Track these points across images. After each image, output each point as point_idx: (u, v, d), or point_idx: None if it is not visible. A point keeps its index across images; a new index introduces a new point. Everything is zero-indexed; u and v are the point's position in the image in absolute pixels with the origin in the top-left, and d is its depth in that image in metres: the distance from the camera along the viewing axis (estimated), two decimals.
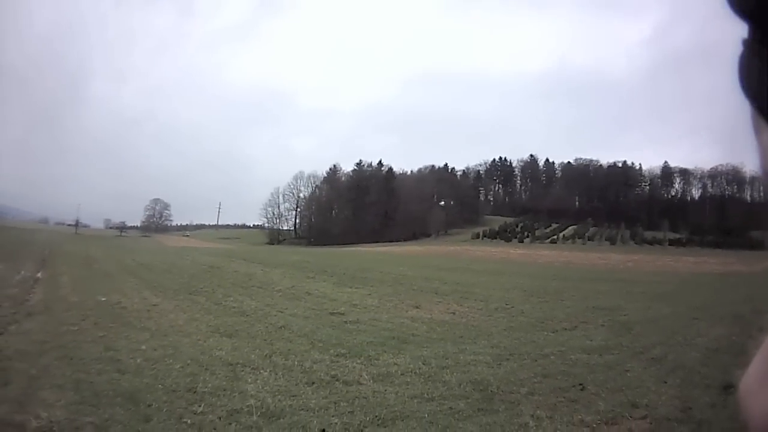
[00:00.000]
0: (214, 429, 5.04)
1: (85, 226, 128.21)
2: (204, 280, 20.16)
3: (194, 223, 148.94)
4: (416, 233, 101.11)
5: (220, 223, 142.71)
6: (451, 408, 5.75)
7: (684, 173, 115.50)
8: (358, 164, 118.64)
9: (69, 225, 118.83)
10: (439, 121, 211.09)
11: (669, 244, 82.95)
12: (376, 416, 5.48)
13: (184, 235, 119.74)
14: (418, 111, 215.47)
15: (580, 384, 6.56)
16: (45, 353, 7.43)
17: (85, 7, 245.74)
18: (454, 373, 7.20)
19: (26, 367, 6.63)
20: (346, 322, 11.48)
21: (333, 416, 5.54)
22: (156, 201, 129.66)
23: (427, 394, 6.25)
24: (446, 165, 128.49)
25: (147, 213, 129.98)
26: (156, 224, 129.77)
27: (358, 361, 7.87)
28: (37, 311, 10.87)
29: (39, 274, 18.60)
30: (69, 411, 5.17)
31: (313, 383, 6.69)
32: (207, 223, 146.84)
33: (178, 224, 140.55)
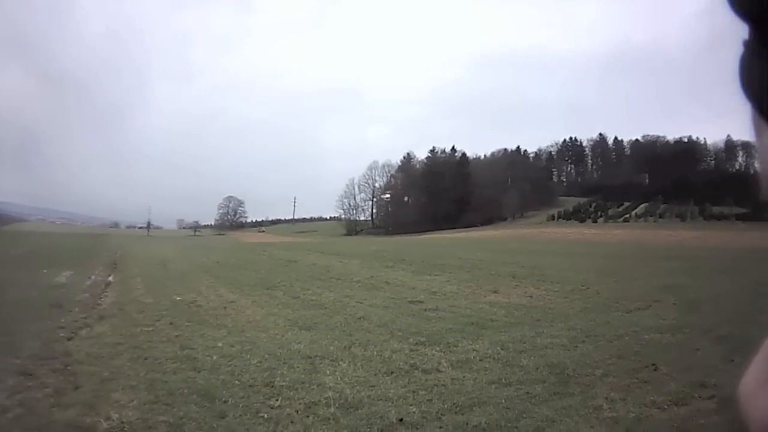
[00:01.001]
0: (291, 422, 5.18)
1: (157, 227, 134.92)
2: (281, 274, 21.29)
3: (270, 219, 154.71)
4: (492, 217, 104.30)
5: (296, 217, 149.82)
6: (527, 393, 5.92)
7: (746, 146, 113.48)
8: (432, 151, 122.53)
9: (140, 228, 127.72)
10: (508, 102, 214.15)
11: (735, 219, 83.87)
12: (454, 403, 5.65)
13: (259, 231, 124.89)
14: (487, 94, 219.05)
15: (653, 364, 6.74)
16: (118, 355, 7.80)
17: (146, 10, 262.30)
18: (531, 357, 7.45)
19: (98, 370, 6.95)
20: (425, 309, 11.89)
21: (411, 405, 5.70)
22: (230, 199, 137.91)
23: (505, 380, 6.45)
24: (518, 147, 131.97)
25: (221, 211, 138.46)
26: (230, 222, 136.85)
27: (437, 349, 8.16)
28: (109, 314, 11.41)
29: (110, 278, 19.57)
30: (142, 411, 5.37)
31: (392, 373, 6.95)
32: (283, 218, 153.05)
33: (254, 221, 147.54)
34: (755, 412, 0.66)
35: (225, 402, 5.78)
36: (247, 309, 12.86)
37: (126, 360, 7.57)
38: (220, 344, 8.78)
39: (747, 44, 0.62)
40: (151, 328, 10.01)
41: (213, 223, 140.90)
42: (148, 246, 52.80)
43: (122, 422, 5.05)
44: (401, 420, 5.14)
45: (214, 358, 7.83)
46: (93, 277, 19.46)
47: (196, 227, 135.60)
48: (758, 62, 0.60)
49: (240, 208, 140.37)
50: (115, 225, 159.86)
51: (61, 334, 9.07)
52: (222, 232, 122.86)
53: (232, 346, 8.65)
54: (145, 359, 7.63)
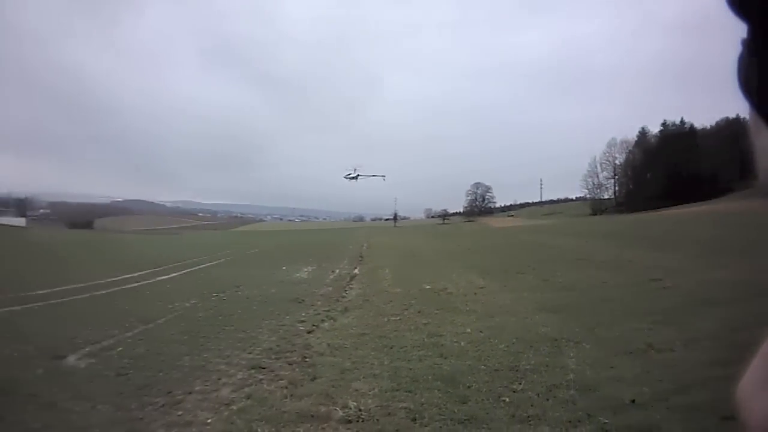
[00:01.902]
0: (531, 405, 5.28)
1: (405, 218, 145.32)
2: (529, 257, 22.62)
3: (518, 203, 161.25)
4: (722, 190, 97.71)
5: (543, 199, 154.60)
6: None
7: None
8: (663, 124, 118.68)
9: (386, 219, 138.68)
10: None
11: None
12: (683, 384, 5.61)
13: (508, 215, 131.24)
14: (707, 62, 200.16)
15: None
16: (362, 345, 8.39)
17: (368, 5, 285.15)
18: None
19: (339, 360, 7.49)
20: (664, 288, 12.10)
21: (644, 385, 5.63)
22: (477, 185, 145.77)
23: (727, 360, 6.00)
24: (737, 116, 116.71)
25: (469, 198, 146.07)
26: (479, 208, 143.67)
27: (672, 328, 8.20)
28: (354, 306, 12.34)
29: (356, 271, 21.28)
30: (381, 399, 5.71)
31: (630, 353, 6.97)
32: (530, 201, 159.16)
33: (502, 205, 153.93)
34: (753, 414, 0.74)
35: (468, 387, 5.99)
36: (497, 294, 13.44)
37: (370, 350, 8.09)
38: (468, 330, 9.18)
39: (745, 44, 0.69)
40: (398, 318, 10.65)
41: (462, 210, 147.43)
42: (396, 237, 56.19)
43: (359, 410, 5.40)
44: (633, 401, 5.15)
45: (462, 344, 8.17)
46: (337, 270, 21.29)
47: (444, 215, 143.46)
48: (756, 62, 0.67)
49: (488, 194, 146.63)
50: (360, 218, 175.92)
51: (301, 328, 9.96)
52: (471, 219, 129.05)
53: (480, 331, 9.01)
54: (391, 348, 8.12)
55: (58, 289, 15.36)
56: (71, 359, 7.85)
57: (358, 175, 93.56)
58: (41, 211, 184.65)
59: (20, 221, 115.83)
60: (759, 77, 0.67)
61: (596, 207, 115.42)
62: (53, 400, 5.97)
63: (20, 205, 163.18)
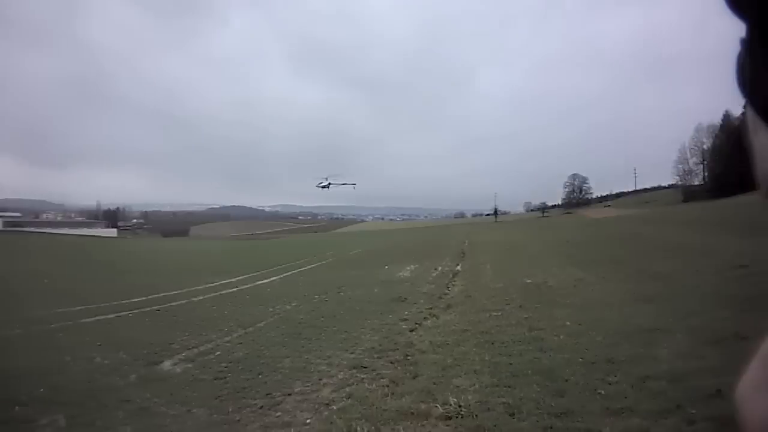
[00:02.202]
0: (624, 397, 5.29)
1: (504, 212, 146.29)
2: (625, 248, 22.96)
3: (614, 192, 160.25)
4: None
5: (637, 188, 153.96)
6: None
7: None
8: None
9: (487, 215, 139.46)
10: None
11: None
12: None
13: (605, 206, 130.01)
14: None
15: None
16: (464, 342, 8.52)
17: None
18: None
19: (441, 357, 7.66)
20: (749, 274, 12.04)
21: (729, 375, 5.30)
22: (574, 176, 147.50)
23: None
24: None
25: (566, 190, 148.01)
26: (576, 199, 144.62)
27: (759, 314, 7.79)
28: (457, 303, 12.55)
29: (458, 267, 21.55)
30: (481, 394, 5.81)
31: (718, 342, 6.85)
32: (625, 190, 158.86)
33: (598, 195, 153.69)
34: (752, 415, 0.76)
35: (566, 381, 6.04)
36: (595, 285, 13.62)
37: (472, 346, 8.23)
38: (567, 323, 9.23)
39: (744, 43, 0.69)
40: (499, 313, 10.81)
41: (560, 203, 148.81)
42: (496, 232, 56.25)
43: (459, 406, 5.50)
44: (719, 391, 5.04)
45: (561, 337, 8.22)
46: (440, 268, 21.53)
47: (543, 208, 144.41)
48: (755, 61, 0.68)
49: (585, 185, 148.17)
50: (461, 215, 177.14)
51: (403, 326, 10.23)
52: (570, 211, 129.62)
53: (579, 324, 9.06)
54: (492, 343, 8.25)
55: (152, 296, 16.28)
56: (166, 365, 8.32)
57: (330, 183, 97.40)
58: (134, 221, 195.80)
59: (111, 232, 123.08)
60: (758, 77, 0.68)
61: (687, 193, 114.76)
62: (145, 405, 6.36)
63: (111, 216, 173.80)
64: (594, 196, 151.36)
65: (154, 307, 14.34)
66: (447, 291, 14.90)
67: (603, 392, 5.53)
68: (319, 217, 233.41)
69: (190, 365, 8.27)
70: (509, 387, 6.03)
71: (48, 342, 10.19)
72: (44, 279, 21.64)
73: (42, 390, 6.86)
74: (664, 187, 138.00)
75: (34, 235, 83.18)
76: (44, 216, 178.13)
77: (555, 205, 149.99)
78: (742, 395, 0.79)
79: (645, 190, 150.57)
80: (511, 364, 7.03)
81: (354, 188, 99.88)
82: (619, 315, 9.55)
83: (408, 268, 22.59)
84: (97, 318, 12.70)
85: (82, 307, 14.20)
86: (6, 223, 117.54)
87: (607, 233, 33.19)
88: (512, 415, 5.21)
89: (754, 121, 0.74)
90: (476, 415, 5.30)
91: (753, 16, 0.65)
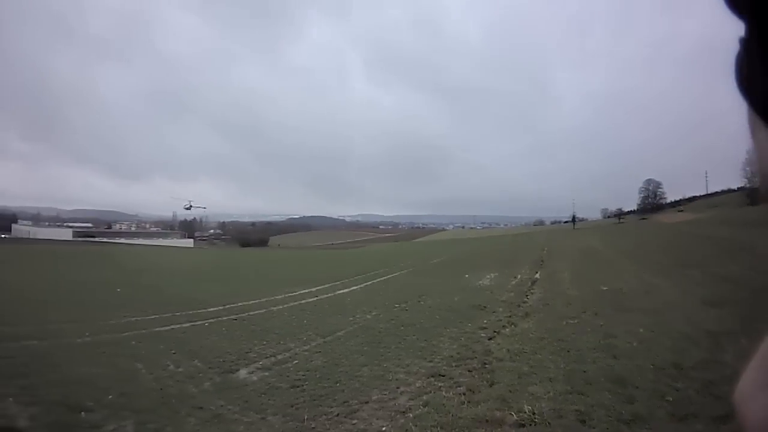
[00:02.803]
0: (690, 403, 5.43)
1: (582, 219, 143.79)
2: (695, 251, 23.28)
3: (686, 197, 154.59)
4: None
5: (709, 191, 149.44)
6: None
7: None
8: None
9: (565, 222, 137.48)
10: None
11: None
12: None
13: (678, 211, 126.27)
14: None
15: None
16: (541, 350, 8.65)
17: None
18: None
19: (517, 365, 7.79)
20: None
21: None
22: (649, 181, 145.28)
23: None
24: None
25: (641, 195, 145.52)
26: (651, 204, 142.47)
27: None
28: (535, 311, 12.69)
29: (537, 275, 21.59)
30: (555, 402, 5.95)
31: None
32: (697, 194, 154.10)
33: (672, 200, 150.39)
34: (752, 415, 0.76)
35: (636, 387, 6.17)
36: (666, 290, 13.75)
37: (548, 353, 8.36)
38: (640, 329, 9.37)
39: (743, 42, 0.69)
40: (575, 320, 10.95)
41: (635, 208, 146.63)
42: (574, 239, 55.39)
43: (533, 413, 5.65)
44: None
45: (634, 344, 8.37)
46: (519, 276, 21.64)
47: (619, 214, 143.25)
48: (754, 60, 0.68)
49: (659, 190, 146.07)
50: (540, 222, 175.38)
51: (482, 335, 10.36)
52: (645, 217, 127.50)
53: (651, 330, 9.24)
54: (567, 351, 8.39)
55: (229, 306, 16.51)
56: (242, 373, 8.52)
57: (192, 206, 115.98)
58: (211, 231, 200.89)
59: (188, 242, 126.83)
60: (757, 76, 0.68)
61: (754, 196, 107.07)
62: (219, 412, 6.54)
63: (188, 227, 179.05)
64: (667, 201, 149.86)
65: (231, 317, 14.60)
66: (526, 299, 15.06)
67: (671, 399, 5.66)
68: (399, 226, 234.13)
69: (266, 373, 8.47)
70: (582, 394, 6.18)
71: (119, 350, 10.36)
72: (116, 288, 22.01)
73: (110, 396, 7.04)
74: (733, 190, 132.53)
75: (107, 246, 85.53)
76: (117, 226, 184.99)
77: (631, 210, 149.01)
78: (742, 395, 0.78)
79: (716, 193, 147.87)
80: (585, 371, 7.17)
81: (204, 210, 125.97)
82: (688, 320, 9.79)
83: (488, 276, 22.74)
84: (171, 327, 12.97)
85: (156, 316, 14.55)
86: (76, 234, 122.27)
87: (677, 238, 33.56)
88: (583, 422, 5.37)
89: (753, 121, 0.74)
90: (549, 423, 5.43)
91: (751, 14, 0.65)
